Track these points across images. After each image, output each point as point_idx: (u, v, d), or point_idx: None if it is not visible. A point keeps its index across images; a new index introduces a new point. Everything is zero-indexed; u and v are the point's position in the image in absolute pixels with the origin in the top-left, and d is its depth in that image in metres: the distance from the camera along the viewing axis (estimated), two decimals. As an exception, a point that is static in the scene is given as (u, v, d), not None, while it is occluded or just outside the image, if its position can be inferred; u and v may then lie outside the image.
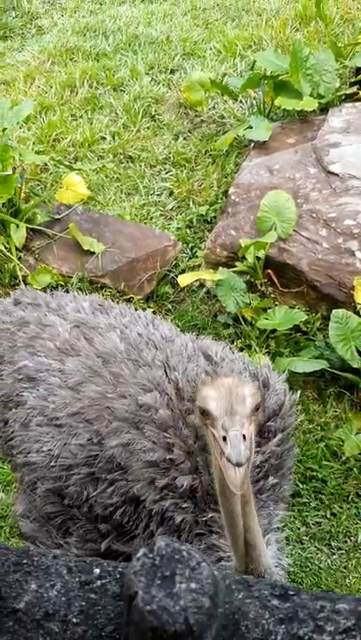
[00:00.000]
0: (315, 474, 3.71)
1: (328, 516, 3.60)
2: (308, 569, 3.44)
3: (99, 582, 1.30)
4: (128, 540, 2.37)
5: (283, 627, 1.26)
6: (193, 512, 2.30)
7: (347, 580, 3.40)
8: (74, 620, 1.28)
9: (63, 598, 1.29)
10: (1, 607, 1.29)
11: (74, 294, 3.00)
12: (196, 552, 1.23)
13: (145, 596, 1.19)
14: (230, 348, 2.79)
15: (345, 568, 3.45)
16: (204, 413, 1.95)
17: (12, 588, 1.31)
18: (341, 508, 3.61)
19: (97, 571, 1.31)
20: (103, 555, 2.40)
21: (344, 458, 3.73)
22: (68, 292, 4.25)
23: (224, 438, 1.85)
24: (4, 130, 4.40)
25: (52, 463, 2.44)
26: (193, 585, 1.21)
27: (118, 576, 1.31)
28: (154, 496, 2.29)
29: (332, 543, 3.52)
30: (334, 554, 3.49)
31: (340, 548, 3.51)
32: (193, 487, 2.29)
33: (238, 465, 1.80)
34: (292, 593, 1.27)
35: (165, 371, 2.46)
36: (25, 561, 1.33)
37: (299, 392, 3.31)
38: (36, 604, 1.29)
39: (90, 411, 2.42)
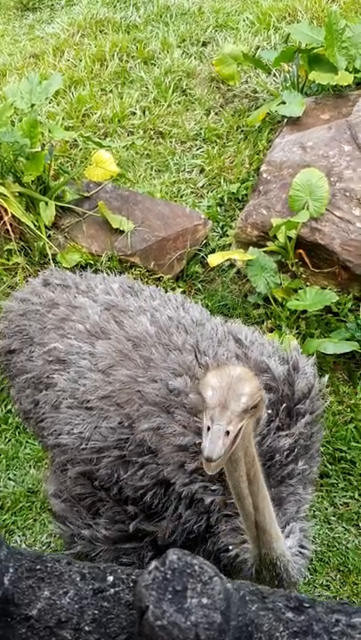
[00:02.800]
0: (344, 455, 3.71)
1: (356, 496, 3.60)
2: (335, 549, 3.46)
3: (112, 590, 1.30)
4: (156, 521, 2.40)
5: None
6: (223, 494, 2.31)
7: (374, 562, 3.41)
8: (86, 629, 1.27)
9: (76, 606, 1.28)
10: (14, 614, 1.28)
11: (103, 275, 2.99)
12: (208, 566, 1.22)
13: (156, 611, 1.18)
14: (260, 332, 2.78)
15: (372, 549, 3.46)
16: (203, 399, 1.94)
17: (26, 595, 1.29)
18: (370, 489, 3.61)
19: (110, 578, 1.30)
20: (132, 535, 2.44)
21: (374, 440, 3.72)
22: (97, 271, 4.28)
23: (208, 428, 1.85)
24: (33, 105, 4.36)
25: (83, 445, 2.46)
26: (204, 600, 1.19)
27: (132, 584, 1.30)
28: (183, 479, 2.31)
29: (360, 524, 3.52)
30: (362, 535, 3.50)
31: (367, 530, 3.52)
32: (222, 470, 2.30)
33: (208, 460, 1.81)
34: (307, 605, 1.25)
35: (196, 355, 2.45)
36: (38, 567, 1.32)
37: (328, 375, 3.32)
38: (48, 612, 1.28)
39: (121, 394, 2.43)
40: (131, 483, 2.39)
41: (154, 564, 1.23)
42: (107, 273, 4.20)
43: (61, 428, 2.54)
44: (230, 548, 2.32)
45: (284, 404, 2.44)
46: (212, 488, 2.30)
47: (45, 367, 2.67)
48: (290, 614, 1.25)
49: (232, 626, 1.23)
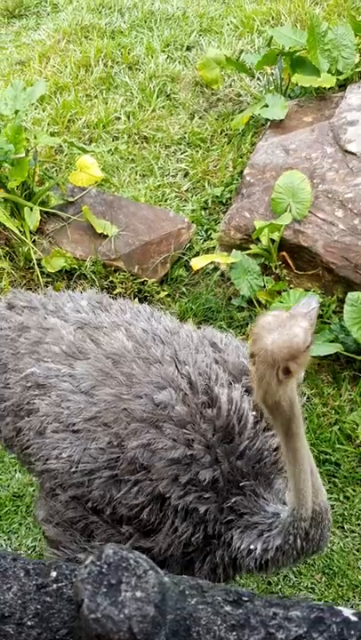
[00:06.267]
0: (328, 457, 3.70)
1: (341, 499, 3.60)
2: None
3: (54, 586, 1.32)
4: (152, 538, 2.40)
5: (234, 633, 1.25)
6: (216, 501, 2.32)
7: (359, 563, 3.41)
8: (29, 623, 1.28)
9: (19, 601, 1.30)
10: None
11: (69, 293, 2.91)
12: (144, 560, 1.23)
13: (90, 604, 1.20)
14: (232, 335, 2.82)
15: (358, 551, 3.45)
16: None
17: None
18: (355, 491, 3.61)
19: (54, 574, 1.33)
20: None
21: (358, 441, 3.72)
22: (81, 276, 4.30)
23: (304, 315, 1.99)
24: (17, 112, 4.37)
25: (73, 469, 2.44)
26: (138, 593, 1.21)
27: (74, 579, 1.32)
28: (178, 492, 2.31)
29: (345, 526, 3.52)
30: (347, 536, 3.50)
31: (353, 531, 3.51)
32: (214, 478, 2.32)
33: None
34: (245, 599, 1.26)
35: (176, 366, 2.44)
36: None
37: (312, 374, 3.31)
38: None
39: (107, 414, 2.40)
40: (125, 502, 2.38)
41: (90, 558, 1.25)
42: (91, 277, 4.28)
43: (49, 454, 2.51)
44: (252, 547, 2.32)
45: None
46: (206, 496, 2.31)
47: (24, 393, 2.62)
48: (228, 608, 1.27)
49: (169, 619, 1.24)
